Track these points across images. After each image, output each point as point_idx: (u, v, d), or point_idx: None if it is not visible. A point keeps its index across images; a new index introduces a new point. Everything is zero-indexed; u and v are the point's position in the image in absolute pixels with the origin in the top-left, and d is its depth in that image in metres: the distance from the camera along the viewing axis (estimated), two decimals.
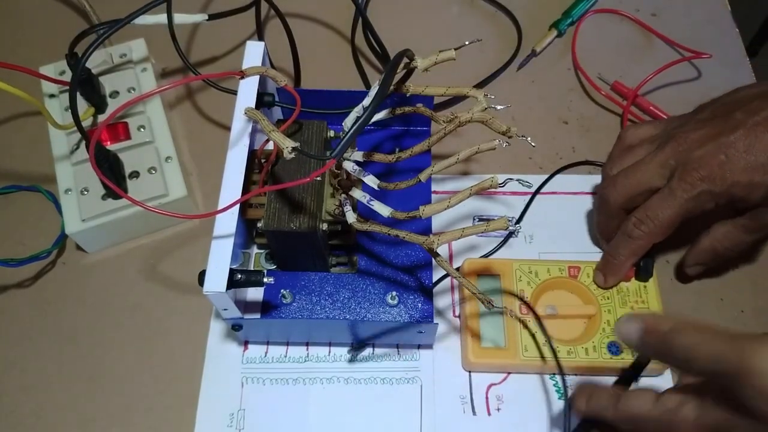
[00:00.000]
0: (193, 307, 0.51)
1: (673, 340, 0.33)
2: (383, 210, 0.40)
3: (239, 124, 0.43)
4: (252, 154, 0.44)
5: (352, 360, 0.41)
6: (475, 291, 0.40)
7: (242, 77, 0.40)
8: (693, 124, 0.45)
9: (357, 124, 0.36)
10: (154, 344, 0.50)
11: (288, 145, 0.35)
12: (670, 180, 0.44)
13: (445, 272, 0.51)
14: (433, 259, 0.40)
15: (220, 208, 0.40)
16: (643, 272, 0.49)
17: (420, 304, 0.47)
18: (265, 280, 0.40)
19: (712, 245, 0.48)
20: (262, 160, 0.45)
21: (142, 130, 0.54)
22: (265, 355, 0.49)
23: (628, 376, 0.42)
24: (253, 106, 0.44)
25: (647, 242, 0.46)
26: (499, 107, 0.41)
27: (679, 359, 0.33)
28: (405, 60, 0.39)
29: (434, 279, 0.48)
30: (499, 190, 0.56)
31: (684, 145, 0.44)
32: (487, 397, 0.48)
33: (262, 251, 0.49)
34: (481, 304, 0.40)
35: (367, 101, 0.40)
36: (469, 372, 0.49)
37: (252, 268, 0.49)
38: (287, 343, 0.50)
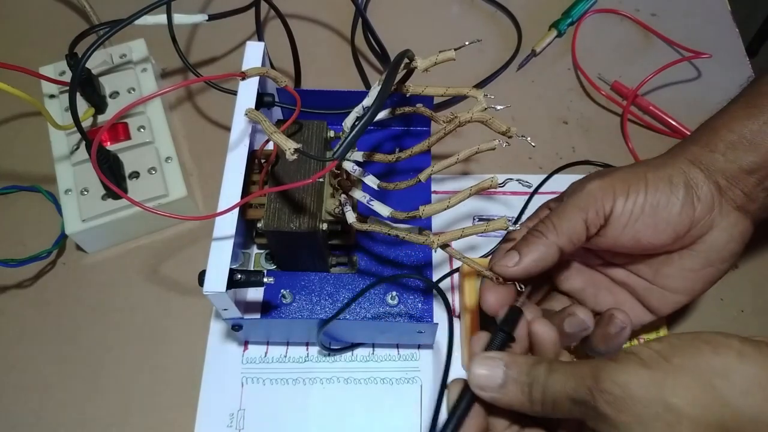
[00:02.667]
0: (193, 307, 0.51)
1: (533, 368, 0.32)
2: (383, 210, 0.40)
3: (239, 125, 0.43)
4: (252, 155, 0.44)
5: (327, 355, 0.40)
6: (480, 269, 0.39)
7: (243, 78, 0.40)
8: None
9: (359, 125, 0.36)
10: (154, 344, 0.50)
11: (290, 146, 0.35)
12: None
13: (445, 273, 0.51)
14: (433, 258, 0.40)
15: (220, 209, 0.40)
16: None
17: (420, 304, 0.47)
18: (265, 280, 0.40)
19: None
20: (262, 161, 0.45)
21: (142, 130, 0.54)
22: (265, 355, 0.49)
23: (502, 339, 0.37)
24: (253, 107, 0.44)
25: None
26: (499, 107, 0.41)
27: (539, 389, 0.32)
28: (405, 60, 0.39)
29: (434, 279, 0.48)
30: (499, 190, 0.56)
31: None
32: None
33: (262, 251, 0.49)
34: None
35: (367, 101, 0.40)
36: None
37: (252, 268, 0.49)
38: (287, 343, 0.50)
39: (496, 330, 0.37)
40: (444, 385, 0.37)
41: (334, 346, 0.50)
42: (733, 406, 0.27)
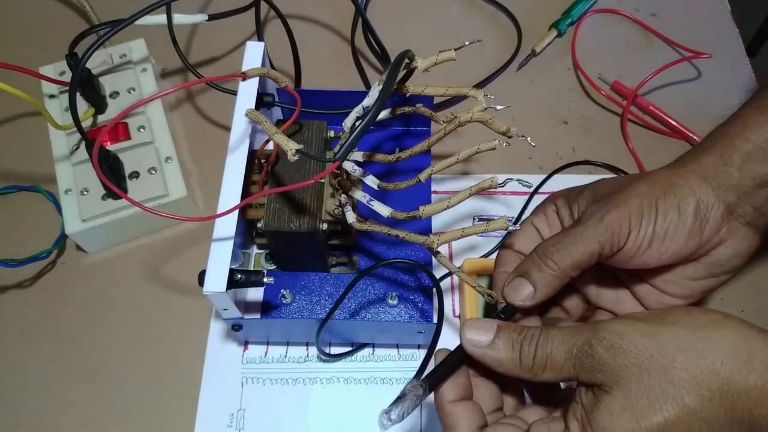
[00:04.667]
0: (193, 307, 0.51)
1: (528, 329, 0.34)
2: (383, 210, 0.40)
3: (239, 125, 0.43)
4: (252, 155, 0.44)
5: (324, 361, 0.39)
6: (476, 285, 0.40)
7: (244, 79, 0.40)
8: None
9: (360, 126, 0.36)
10: (154, 344, 0.50)
11: (292, 147, 0.35)
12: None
13: (445, 272, 0.51)
14: (433, 259, 0.40)
15: (220, 210, 0.40)
16: None
17: (420, 304, 0.47)
18: (265, 280, 0.40)
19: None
20: (262, 161, 0.45)
21: (142, 130, 0.54)
22: (265, 355, 0.49)
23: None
24: (254, 107, 0.44)
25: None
26: (499, 107, 0.41)
27: (533, 342, 0.33)
28: (405, 60, 0.39)
29: (437, 277, 0.48)
30: (499, 190, 0.56)
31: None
32: None
33: (262, 251, 0.49)
34: (482, 297, 0.40)
35: (367, 101, 0.40)
36: None
37: (252, 268, 0.49)
38: (287, 343, 0.50)
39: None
40: (424, 367, 0.37)
41: (334, 352, 0.50)
42: (723, 351, 0.29)
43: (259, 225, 0.43)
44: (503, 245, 0.43)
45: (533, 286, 0.37)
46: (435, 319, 0.48)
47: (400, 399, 0.33)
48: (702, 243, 0.38)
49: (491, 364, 0.35)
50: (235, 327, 0.45)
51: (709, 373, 0.29)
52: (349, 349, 0.49)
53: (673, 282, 0.40)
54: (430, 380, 0.34)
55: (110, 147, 0.52)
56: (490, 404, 0.36)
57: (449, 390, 0.35)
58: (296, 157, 0.35)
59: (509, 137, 0.41)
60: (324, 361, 0.49)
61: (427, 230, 0.49)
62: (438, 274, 0.50)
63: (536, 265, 0.38)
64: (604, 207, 0.38)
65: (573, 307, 0.43)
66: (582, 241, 0.37)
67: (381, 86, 0.37)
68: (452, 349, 0.36)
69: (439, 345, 0.48)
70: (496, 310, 0.39)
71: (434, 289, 0.41)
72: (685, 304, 0.41)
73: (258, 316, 0.47)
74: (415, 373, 0.35)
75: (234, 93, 0.45)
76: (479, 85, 0.62)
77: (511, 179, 0.57)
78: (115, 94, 0.55)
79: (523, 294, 0.37)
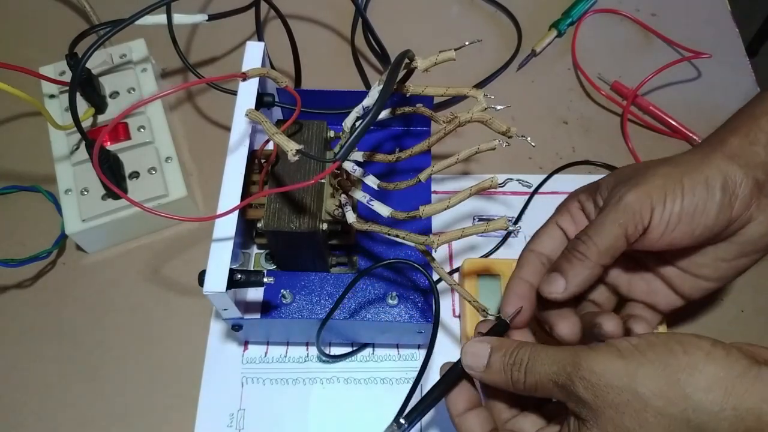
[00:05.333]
0: (193, 307, 0.51)
1: (518, 351, 0.35)
2: (383, 210, 0.40)
3: (239, 125, 0.43)
4: (252, 155, 0.44)
5: (324, 361, 0.40)
6: (470, 299, 0.40)
7: (244, 79, 0.40)
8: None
9: (361, 126, 0.36)
10: (154, 344, 0.50)
11: (292, 147, 0.35)
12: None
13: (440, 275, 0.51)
14: (429, 262, 0.40)
15: (220, 210, 0.40)
16: None
17: (420, 304, 0.47)
18: (265, 280, 0.40)
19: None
20: (262, 161, 0.45)
21: (142, 130, 0.54)
22: (265, 355, 0.49)
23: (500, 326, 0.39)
24: (254, 107, 0.44)
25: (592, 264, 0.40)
26: (499, 107, 0.41)
27: (522, 371, 0.34)
28: (405, 60, 0.39)
29: (434, 278, 0.48)
30: (499, 190, 0.56)
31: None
32: None
33: (262, 251, 0.49)
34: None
35: (367, 101, 0.40)
36: None
37: (252, 268, 0.49)
38: (287, 343, 0.50)
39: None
40: (422, 373, 0.40)
41: (334, 352, 0.50)
42: (694, 400, 0.29)
43: (259, 225, 0.43)
44: (526, 248, 0.42)
45: (564, 279, 0.38)
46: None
47: None
48: (732, 219, 0.38)
49: (491, 385, 0.37)
50: (235, 327, 0.45)
51: (680, 420, 0.29)
52: (349, 350, 0.49)
53: (705, 265, 0.40)
54: (408, 418, 0.37)
55: (110, 147, 0.52)
56: (501, 408, 0.38)
57: (456, 403, 0.37)
58: (297, 158, 0.35)
59: (509, 137, 0.41)
60: (324, 362, 0.49)
61: (427, 230, 0.49)
62: (437, 275, 0.50)
63: (566, 259, 0.38)
64: (623, 189, 0.38)
65: (604, 301, 0.43)
66: (603, 226, 0.37)
67: (381, 86, 0.37)
68: (452, 359, 0.38)
69: (438, 345, 0.49)
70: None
71: (432, 287, 0.41)
72: (718, 287, 0.41)
73: (258, 316, 0.47)
74: (414, 374, 0.36)
75: (234, 93, 0.45)
76: (479, 85, 0.62)
77: (511, 179, 0.57)
78: (115, 94, 0.55)
79: (557, 288, 0.38)
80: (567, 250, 0.39)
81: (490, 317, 0.40)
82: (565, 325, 0.38)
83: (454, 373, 0.38)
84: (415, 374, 0.48)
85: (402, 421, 0.37)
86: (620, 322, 0.38)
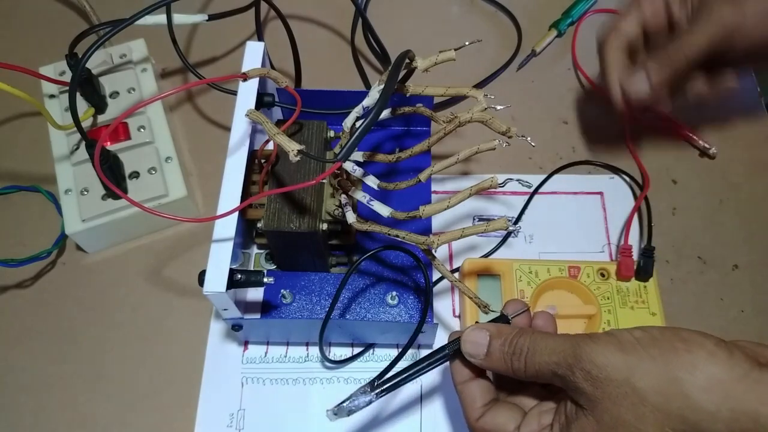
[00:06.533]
0: (193, 307, 0.51)
1: (517, 339, 0.35)
2: (383, 210, 0.40)
3: (239, 126, 0.43)
4: (252, 155, 0.44)
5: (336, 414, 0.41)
6: (472, 296, 0.40)
7: (245, 79, 0.40)
8: None
9: (362, 126, 0.36)
10: (154, 344, 0.50)
11: (294, 148, 0.35)
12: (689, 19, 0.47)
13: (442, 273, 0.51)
14: (431, 261, 0.40)
15: (220, 210, 0.40)
16: (643, 272, 0.49)
17: (420, 304, 0.47)
18: (265, 280, 0.40)
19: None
20: (262, 161, 0.45)
21: (142, 130, 0.54)
22: (265, 355, 0.49)
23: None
24: (254, 107, 0.44)
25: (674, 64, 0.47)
26: (499, 107, 0.41)
27: (522, 359, 0.35)
28: (405, 60, 0.39)
29: (434, 278, 0.48)
30: (499, 190, 0.56)
31: None
32: None
33: (262, 251, 0.49)
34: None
35: (367, 101, 0.40)
36: None
37: (252, 268, 0.49)
38: (287, 343, 0.50)
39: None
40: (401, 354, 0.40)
41: (334, 352, 0.50)
42: (692, 399, 0.29)
43: (259, 225, 0.43)
44: (613, 28, 0.49)
45: (648, 77, 0.43)
46: (434, 319, 0.48)
47: (348, 398, 0.37)
48: None
49: (492, 371, 0.37)
50: (235, 327, 0.45)
51: (676, 417, 0.30)
52: (351, 353, 0.49)
53: None
54: (378, 380, 0.37)
55: (110, 147, 0.52)
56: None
57: (460, 371, 0.38)
58: (298, 158, 0.35)
59: (509, 137, 0.41)
60: (327, 367, 0.49)
61: (427, 230, 0.49)
62: (437, 275, 0.50)
63: (652, 60, 0.44)
64: (714, 8, 0.44)
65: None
66: (692, 37, 0.43)
67: (381, 87, 0.37)
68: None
69: (436, 345, 0.49)
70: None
71: (422, 269, 0.41)
72: None
73: (258, 316, 0.47)
74: (415, 369, 0.38)
75: (234, 93, 0.45)
76: (479, 85, 0.62)
77: (511, 179, 0.57)
78: (115, 94, 0.55)
79: (641, 86, 0.43)
80: (657, 54, 0.45)
81: (492, 313, 0.40)
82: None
83: (443, 354, 0.38)
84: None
85: (375, 385, 0.37)
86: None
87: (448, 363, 0.38)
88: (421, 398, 0.48)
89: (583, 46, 0.64)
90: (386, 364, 0.49)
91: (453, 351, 0.37)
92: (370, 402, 0.37)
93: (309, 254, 0.46)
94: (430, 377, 0.48)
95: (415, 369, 0.38)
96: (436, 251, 0.39)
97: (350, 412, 0.37)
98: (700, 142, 0.58)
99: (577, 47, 0.64)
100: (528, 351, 0.34)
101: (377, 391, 0.37)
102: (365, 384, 0.37)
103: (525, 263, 0.50)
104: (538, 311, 0.39)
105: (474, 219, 0.55)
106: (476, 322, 0.40)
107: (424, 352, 0.49)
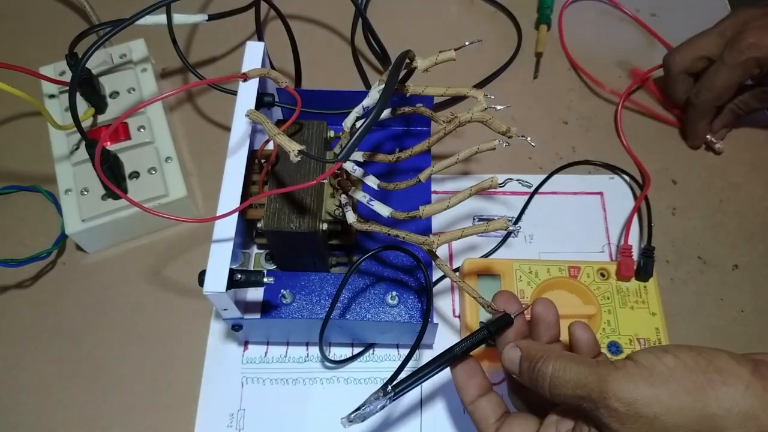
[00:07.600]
0: (193, 307, 0.51)
1: (539, 366, 0.34)
2: (383, 210, 0.40)
3: (239, 126, 0.43)
4: (252, 155, 0.44)
5: (328, 366, 0.41)
6: (475, 295, 0.40)
7: (245, 80, 0.40)
8: (754, 7, 0.53)
9: (362, 127, 0.36)
10: (154, 344, 0.50)
11: (294, 148, 0.35)
12: (724, 50, 0.52)
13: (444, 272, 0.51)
14: (433, 261, 0.40)
15: (220, 210, 0.40)
16: (643, 272, 0.49)
17: (420, 304, 0.47)
18: (265, 280, 0.40)
19: (731, 108, 0.57)
20: (262, 161, 0.45)
21: (142, 130, 0.54)
22: (265, 355, 0.49)
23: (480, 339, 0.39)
24: (254, 107, 0.44)
25: (707, 107, 0.56)
26: (499, 107, 0.41)
27: (545, 386, 0.34)
28: (405, 60, 0.39)
29: (434, 278, 0.48)
30: (499, 190, 0.56)
31: (741, 19, 0.53)
32: None
33: (262, 251, 0.49)
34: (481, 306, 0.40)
35: (367, 101, 0.40)
36: None
37: (252, 268, 0.49)
38: (287, 343, 0.50)
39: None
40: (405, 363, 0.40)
41: (334, 352, 0.50)
42: None
43: (259, 225, 0.43)
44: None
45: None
46: (434, 319, 0.48)
47: (362, 405, 0.36)
48: None
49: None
50: (235, 327, 0.45)
51: None
52: (351, 353, 0.49)
53: None
54: (391, 384, 0.37)
55: (110, 147, 0.52)
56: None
57: (468, 391, 0.38)
58: (299, 158, 0.35)
59: (509, 137, 0.41)
60: (328, 367, 0.49)
61: (427, 230, 0.49)
62: (438, 274, 0.50)
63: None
64: (743, 38, 0.51)
65: None
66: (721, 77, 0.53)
67: (382, 87, 0.37)
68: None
69: (436, 345, 0.49)
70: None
71: (422, 268, 0.41)
72: None
73: (258, 316, 0.47)
74: (415, 369, 0.38)
75: (234, 93, 0.45)
76: (479, 85, 0.62)
77: (511, 179, 0.57)
78: (115, 94, 0.55)
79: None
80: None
81: (495, 313, 0.39)
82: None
83: (450, 355, 0.38)
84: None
85: (389, 389, 0.37)
86: None
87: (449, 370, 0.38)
88: (421, 402, 0.48)
89: (583, 45, 0.64)
90: (386, 363, 0.49)
91: (461, 351, 0.38)
92: (384, 406, 0.37)
93: (309, 254, 0.46)
94: (430, 380, 0.48)
95: (426, 371, 0.38)
96: (436, 251, 0.39)
97: (364, 418, 0.37)
98: (707, 136, 0.58)
99: (578, 47, 0.64)
100: (550, 381, 0.33)
101: (391, 394, 0.37)
102: (377, 389, 0.37)
103: (525, 263, 0.50)
104: (538, 298, 0.39)
105: (474, 219, 0.55)
106: (480, 322, 0.40)
107: (424, 352, 0.49)
